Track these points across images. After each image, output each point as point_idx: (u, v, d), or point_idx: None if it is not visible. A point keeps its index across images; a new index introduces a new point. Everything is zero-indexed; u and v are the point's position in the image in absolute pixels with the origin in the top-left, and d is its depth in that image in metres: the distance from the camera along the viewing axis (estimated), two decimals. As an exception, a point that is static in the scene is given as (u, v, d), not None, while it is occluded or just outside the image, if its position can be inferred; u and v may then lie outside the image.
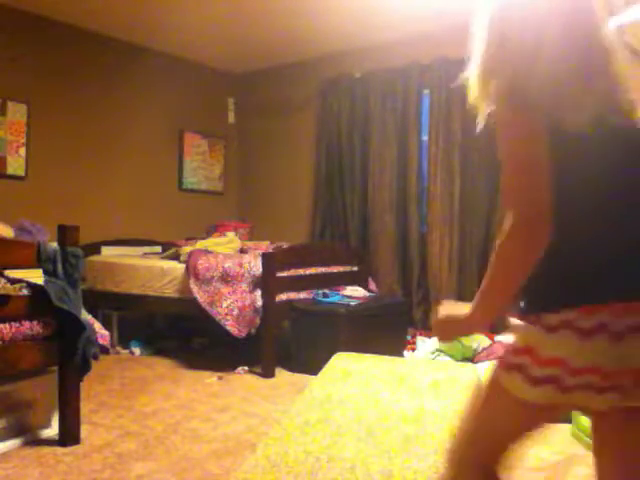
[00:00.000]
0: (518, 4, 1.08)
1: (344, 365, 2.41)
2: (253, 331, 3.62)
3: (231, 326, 3.60)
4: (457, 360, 3.35)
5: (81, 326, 2.37)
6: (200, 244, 4.24)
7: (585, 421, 2.48)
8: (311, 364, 3.34)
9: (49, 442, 2.45)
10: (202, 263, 3.81)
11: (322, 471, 1.81)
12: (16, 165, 4.26)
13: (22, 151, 4.29)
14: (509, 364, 1.05)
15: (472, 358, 3.37)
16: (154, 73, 5.12)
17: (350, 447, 1.90)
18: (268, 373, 3.58)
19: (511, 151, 1.02)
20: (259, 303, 3.62)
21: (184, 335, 4.58)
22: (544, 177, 0.97)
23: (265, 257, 3.68)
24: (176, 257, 4.25)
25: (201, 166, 5.60)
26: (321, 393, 2.21)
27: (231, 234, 4.78)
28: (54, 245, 2.41)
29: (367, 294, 4.23)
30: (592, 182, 1.00)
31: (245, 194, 5.89)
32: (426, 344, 3.73)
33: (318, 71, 5.23)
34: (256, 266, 3.68)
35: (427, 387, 2.39)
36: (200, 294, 3.72)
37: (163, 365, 3.88)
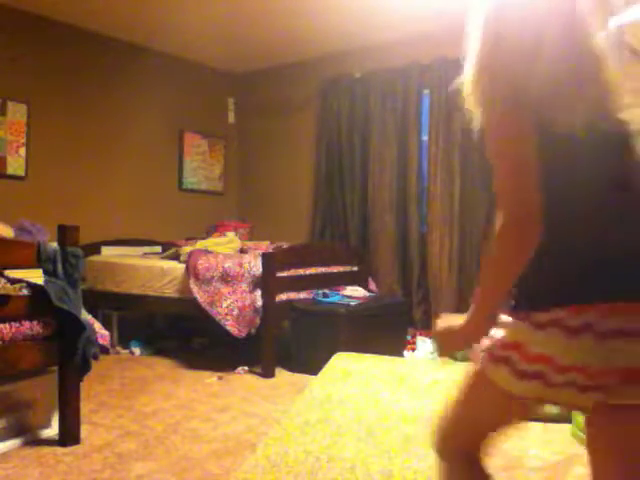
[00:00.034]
0: (515, 4, 1.09)
1: (344, 365, 2.41)
2: (253, 331, 3.62)
3: (231, 326, 3.60)
4: (457, 360, 3.36)
5: (81, 326, 2.37)
6: (200, 244, 4.24)
7: (585, 421, 2.48)
8: (311, 364, 3.34)
9: (49, 442, 2.45)
10: (202, 263, 3.81)
11: (322, 471, 1.81)
12: (16, 165, 4.26)
13: (22, 151, 4.29)
14: (496, 357, 1.07)
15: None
16: (154, 73, 5.12)
17: (350, 447, 1.90)
18: (268, 373, 3.58)
19: (500, 151, 1.04)
20: (259, 303, 3.62)
21: (184, 335, 4.58)
22: (533, 178, 0.99)
23: (265, 257, 3.68)
24: (176, 257, 4.25)
25: (201, 166, 5.60)
26: (321, 393, 2.21)
27: (231, 234, 4.78)
28: (54, 245, 2.41)
29: (367, 294, 4.23)
30: (582, 185, 1.02)
31: (245, 194, 5.89)
32: (426, 344, 3.73)
33: (318, 71, 5.23)
34: (256, 266, 3.68)
35: (427, 387, 2.39)
36: (200, 294, 3.72)
37: (163, 365, 3.88)
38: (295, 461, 1.86)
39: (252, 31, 4.68)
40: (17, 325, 2.24)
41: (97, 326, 2.67)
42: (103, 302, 4.31)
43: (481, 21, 1.11)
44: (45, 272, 2.34)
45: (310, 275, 4.09)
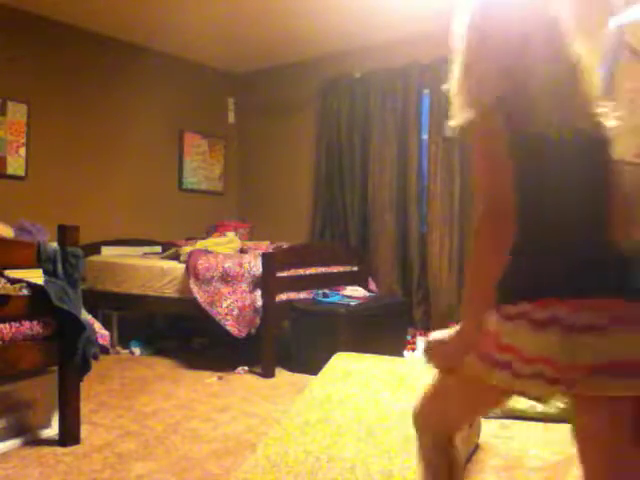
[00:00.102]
0: (501, 3, 1.13)
1: (344, 365, 2.41)
2: (253, 331, 3.62)
3: (231, 326, 3.60)
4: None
5: (81, 326, 2.37)
6: (200, 244, 4.24)
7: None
8: (311, 364, 3.33)
9: (49, 442, 2.45)
10: (202, 263, 3.81)
11: (322, 471, 1.81)
12: (16, 165, 4.26)
13: (22, 151, 4.29)
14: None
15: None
16: (154, 73, 5.12)
17: (350, 447, 1.90)
18: (268, 373, 3.58)
19: (481, 150, 1.09)
20: (259, 303, 3.62)
21: (184, 335, 4.58)
22: (508, 177, 1.04)
23: (265, 257, 3.68)
24: (176, 257, 4.25)
25: (201, 166, 5.60)
26: (321, 393, 2.21)
27: (231, 234, 4.78)
28: (54, 245, 2.41)
29: (367, 294, 4.23)
30: (556, 188, 1.07)
31: (245, 194, 5.89)
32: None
33: (318, 71, 5.23)
34: (256, 266, 3.68)
35: (427, 387, 2.39)
36: (200, 294, 3.72)
37: (163, 365, 3.88)
38: (295, 461, 1.85)
39: (252, 31, 4.68)
40: (17, 325, 2.25)
41: (97, 326, 2.67)
42: (103, 302, 4.31)
43: (467, 20, 1.15)
44: (45, 272, 2.34)
45: (310, 275, 4.09)
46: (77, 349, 2.37)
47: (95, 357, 2.47)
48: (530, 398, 1.14)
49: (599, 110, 1.12)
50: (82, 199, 4.61)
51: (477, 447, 2.36)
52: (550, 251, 1.06)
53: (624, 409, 1.08)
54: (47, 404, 2.54)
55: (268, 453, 1.90)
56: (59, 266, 2.37)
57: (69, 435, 2.43)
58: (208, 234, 4.94)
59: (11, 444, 2.39)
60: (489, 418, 2.66)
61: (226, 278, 3.69)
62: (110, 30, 4.70)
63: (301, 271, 4.04)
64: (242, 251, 4.35)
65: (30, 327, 2.29)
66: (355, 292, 4.16)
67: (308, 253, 4.28)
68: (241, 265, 3.71)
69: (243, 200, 5.89)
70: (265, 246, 4.54)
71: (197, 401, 3.08)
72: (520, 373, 1.04)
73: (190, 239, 4.73)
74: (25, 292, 2.30)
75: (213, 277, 3.72)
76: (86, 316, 2.50)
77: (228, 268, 3.71)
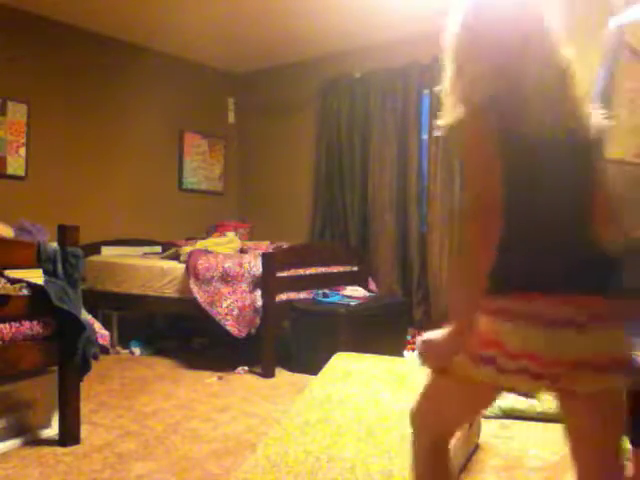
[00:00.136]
0: (494, 4, 1.15)
1: (344, 365, 2.41)
2: (253, 331, 3.62)
3: (231, 326, 3.60)
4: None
5: (81, 326, 2.37)
6: (200, 244, 4.24)
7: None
8: (311, 364, 3.33)
9: (49, 442, 2.45)
10: (202, 263, 3.81)
11: (322, 471, 1.81)
12: (16, 165, 4.26)
13: (22, 151, 4.29)
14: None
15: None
16: (154, 73, 5.12)
17: (350, 447, 1.90)
18: (268, 373, 3.58)
19: (473, 145, 1.11)
20: (259, 303, 3.62)
21: (184, 335, 4.58)
22: (496, 175, 1.06)
23: (265, 257, 3.68)
24: (176, 257, 4.25)
25: (201, 166, 5.60)
26: (321, 393, 2.21)
27: (231, 234, 4.78)
28: (54, 245, 2.41)
29: (367, 294, 4.23)
30: (543, 188, 1.09)
31: (245, 194, 5.89)
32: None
33: (318, 71, 5.23)
34: (256, 266, 3.68)
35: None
36: (200, 294, 3.72)
37: (163, 365, 3.88)
38: (295, 461, 1.85)
39: (252, 31, 4.68)
40: (17, 325, 2.24)
41: (97, 326, 2.67)
42: (103, 302, 4.31)
43: (460, 19, 1.17)
44: (45, 272, 2.34)
45: (310, 275, 4.09)
46: (77, 349, 2.37)
47: (95, 357, 2.47)
48: (518, 394, 1.16)
49: (588, 113, 1.15)
50: (82, 199, 4.61)
51: (477, 447, 2.36)
52: (535, 248, 1.09)
53: (611, 406, 1.12)
54: (47, 404, 2.54)
55: (268, 453, 1.90)
56: (59, 266, 2.37)
57: (69, 435, 2.43)
58: (208, 234, 4.94)
59: (11, 444, 2.39)
60: (489, 418, 2.66)
61: (226, 278, 3.69)
62: (110, 30, 4.70)
63: (301, 271, 4.04)
64: (242, 251, 4.35)
65: (30, 327, 2.29)
66: (355, 292, 4.16)
67: (308, 253, 4.28)
68: (241, 265, 3.71)
69: (243, 200, 5.89)
70: (265, 246, 4.53)
71: (197, 401, 3.07)
72: (504, 368, 1.06)
73: (190, 239, 4.73)
74: (25, 292, 2.30)
75: (213, 277, 3.72)
76: (86, 316, 2.50)
77: (228, 268, 3.71)
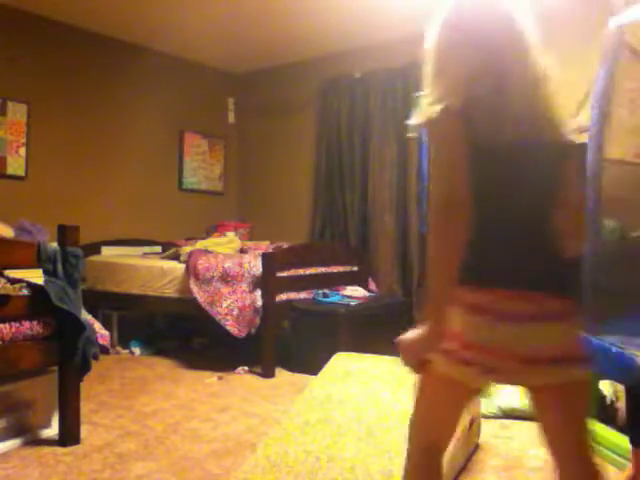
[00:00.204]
0: (476, 8, 1.17)
1: (344, 365, 2.41)
2: (253, 331, 3.62)
3: (231, 326, 3.60)
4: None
5: (81, 326, 2.37)
6: (200, 244, 4.24)
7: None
8: (311, 364, 3.33)
9: (49, 442, 2.45)
10: (202, 263, 3.81)
11: (322, 471, 1.81)
12: (16, 165, 4.25)
13: (22, 151, 4.29)
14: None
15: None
16: (154, 73, 5.12)
17: (350, 447, 1.90)
18: (268, 373, 3.58)
19: (439, 147, 1.14)
20: (259, 303, 3.62)
21: (184, 335, 4.58)
22: (464, 174, 1.09)
23: (265, 257, 3.68)
24: (176, 257, 4.25)
25: (201, 166, 5.60)
26: (321, 393, 2.21)
27: (231, 234, 4.78)
28: (54, 245, 2.41)
29: (367, 294, 4.23)
30: (513, 187, 1.13)
31: (245, 194, 5.89)
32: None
33: (318, 71, 5.23)
34: (256, 266, 3.68)
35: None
36: (200, 294, 3.72)
37: (163, 365, 3.88)
38: (295, 461, 1.86)
39: (252, 31, 4.68)
40: (17, 325, 2.25)
41: (97, 326, 2.67)
42: (103, 302, 4.31)
43: (443, 19, 1.19)
44: (45, 272, 2.34)
45: (310, 275, 4.09)
46: (77, 349, 2.37)
47: (95, 357, 2.47)
48: (471, 388, 1.19)
49: (564, 119, 1.17)
50: (82, 199, 4.61)
51: (477, 447, 2.36)
52: (495, 247, 1.12)
53: (576, 398, 1.17)
54: (47, 404, 2.54)
55: (268, 453, 1.90)
56: (59, 266, 2.37)
57: (69, 435, 2.43)
58: (208, 234, 4.93)
59: (11, 444, 2.39)
60: (489, 418, 2.66)
61: (226, 278, 3.69)
62: (110, 30, 4.70)
63: (301, 271, 4.04)
64: (242, 251, 4.35)
65: (30, 327, 2.29)
66: (355, 292, 4.16)
67: (308, 253, 4.28)
68: (241, 265, 3.71)
69: (243, 200, 5.89)
70: (265, 246, 4.53)
71: (197, 401, 3.07)
72: (460, 360, 1.10)
73: (190, 239, 4.73)
74: (25, 292, 2.30)
75: (213, 277, 3.72)
76: (86, 316, 2.50)
77: (228, 268, 3.71)
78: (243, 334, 3.60)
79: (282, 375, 3.63)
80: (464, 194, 1.09)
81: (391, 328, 3.98)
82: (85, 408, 2.66)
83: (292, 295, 3.90)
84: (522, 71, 1.14)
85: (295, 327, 3.77)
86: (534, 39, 1.17)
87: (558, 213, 1.18)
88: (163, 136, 5.27)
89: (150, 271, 4.15)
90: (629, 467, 1.63)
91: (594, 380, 2.54)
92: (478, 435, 2.39)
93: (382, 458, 1.82)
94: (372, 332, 3.61)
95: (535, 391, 1.18)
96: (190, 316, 4.29)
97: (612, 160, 2.47)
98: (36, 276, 2.36)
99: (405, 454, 1.29)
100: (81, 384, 2.49)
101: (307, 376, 3.34)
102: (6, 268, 2.38)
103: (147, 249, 4.93)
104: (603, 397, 2.55)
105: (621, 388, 2.37)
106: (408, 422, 1.29)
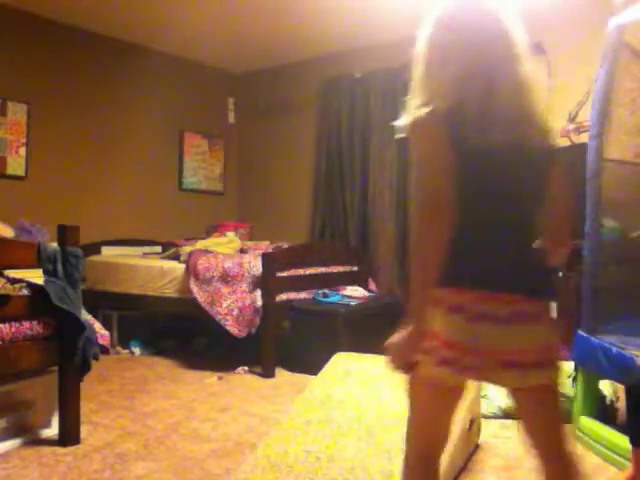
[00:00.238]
0: (466, 14, 1.18)
1: (344, 365, 2.41)
2: (253, 331, 3.62)
3: (231, 326, 3.60)
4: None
5: (81, 326, 2.37)
6: (200, 244, 4.24)
7: (585, 421, 2.48)
8: (311, 364, 3.33)
9: (49, 442, 2.45)
10: (202, 263, 3.81)
11: (322, 471, 1.81)
12: (16, 165, 4.25)
13: (22, 151, 4.29)
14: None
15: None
16: (154, 73, 5.12)
17: (350, 447, 1.90)
18: (268, 373, 3.58)
19: (425, 148, 1.15)
20: (259, 303, 3.62)
21: (184, 335, 4.58)
22: (449, 174, 1.10)
23: (265, 257, 3.68)
24: (176, 257, 4.25)
25: (201, 166, 5.60)
26: (321, 393, 2.21)
27: (231, 234, 4.78)
28: (54, 245, 2.41)
29: (367, 294, 4.23)
30: (494, 188, 1.14)
31: (245, 194, 5.89)
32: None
33: (318, 71, 5.23)
34: (256, 266, 3.68)
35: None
36: (200, 294, 3.72)
37: (163, 365, 3.88)
38: (295, 461, 1.85)
39: (252, 31, 4.68)
40: (17, 325, 2.24)
41: (97, 326, 2.67)
42: (103, 302, 4.31)
43: (435, 20, 1.20)
44: (45, 272, 2.34)
45: (310, 275, 4.09)
46: (77, 349, 2.37)
47: (95, 357, 2.47)
48: (453, 387, 1.20)
49: (549, 122, 1.18)
50: (82, 199, 4.61)
51: (477, 447, 2.36)
52: (476, 249, 1.14)
53: (552, 396, 1.21)
54: (47, 404, 2.54)
55: (268, 453, 1.90)
56: (59, 266, 2.36)
57: (69, 435, 2.43)
58: (208, 234, 4.93)
59: (11, 444, 2.39)
60: (489, 418, 2.66)
61: (226, 278, 3.69)
62: (110, 30, 4.70)
63: (301, 271, 4.03)
64: (242, 251, 4.35)
65: (30, 327, 2.29)
66: (355, 292, 4.16)
67: (308, 253, 4.28)
68: (241, 265, 3.70)
69: (243, 200, 5.89)
70: (265, 246, 4.53)
71: (197, 401, 3.07)
72: (440, 358, 1.12)
73: (190, 239, 4.73)
74: (25, 292, 2.30)
75: (213, 277, 3.72)
76: (86, 316, 2.50)
77: (228, 268, 3.71)
78: (243, 334, 3.60)
79: (282, 375, 3.63)
80: (448, 196, 1.10)
81: (391, 328, 3.99)
82: (85, 408, 2.66)
83: (292, 295, 3.90)
84: (510, 72, 1.15)
85: (295, 327, 3.77)
86: (521, 40, 1.18)
87: (543, 215, 1.20)
88: (163, 136, 5.27)
89: (150, 271, 4.15)
90: (629, 467, 1.63)
91: (594, 380, 2.54)
92: (478, 435, 2.39)
93: (382, 458, 1.82)
94: (372, 332, 3.60)
95: (514, 390, 1.22)
96: (190, 316, 4.29)
97: (612, 160, 2.47)
98: (36, 276, 2.36)
99: (403, 456, 1.30)
100: (81, 384, 2.49)
101: (307, 376, 3.34)
102: (6, 268, 2.38)
103: (147, 249, 4.93)
104: (603, 397, 2.55)
105: (621, 388, 2.37)
106: (406, 433, 1.29)
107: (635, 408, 1.61)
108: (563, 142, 3.51)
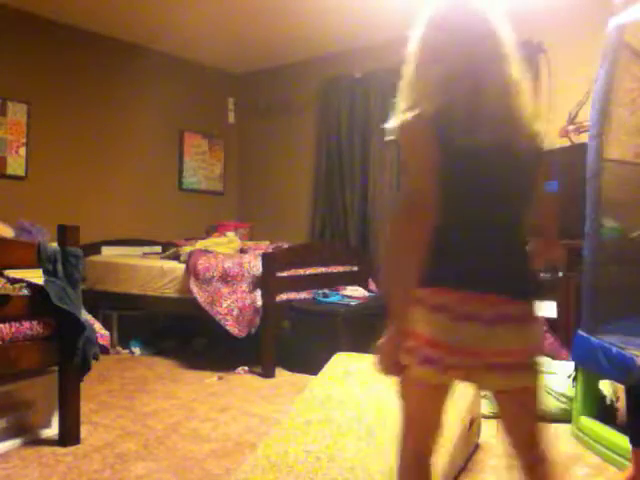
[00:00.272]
0: (457, 13, 1.19)
1: (344, 365, 2.41)
2: (253, 331, 3.62)
3: (231, 326, 3.60)
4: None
5: (81, 326, 2.37)
6: (200, 244, 4.24)
7: (585, 421, 2.48)
8: (311, 364, 3.33)
9: (49, 442, 2.45)
10: (202, 263, 3.81)
11: (322, 471, 1.81)
12: (16, 165, 4.25)
13: (22, 151, 4.29)
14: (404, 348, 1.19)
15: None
16: (154, 73, 5.12)
17: (350, 447, 1.90)
18: (268, 373, 3.58)
19: (411, 149, 1.16)
20: (259, 303, 3.62)
21: (184, 335, 4.58)
22: (431, 178, 1.11)
23: (265, 257, 3.68)
24: (176, 257, 4.25)
25: (201, 166, 5.60)
26: (321, 393, 2.21)
27: (231, 234, 4.77)
28: (54, 245, 2.41)
29: (367, 294, 4.22)
30: (479, 196, 1.14)
31: (245, 194, 5.89)
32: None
33: (318, 71, 5.23)
34: (256, 266, 3.68)
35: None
36: (200, 294, 3.72)
37: (163, 365, 3.88)
38: (295, 461, 1.85)
39: (252, 31, 4.68)
40: (17, 325, 2.24)
41: (97, 326, 2.67)
42: (103, 302, 4.31)
43: (427, 20, 1.23)
44: (45, 272, 2.34)
45: (310, 275, 4.09)
46: (77, 349, 2.37)
47: (95, 357, 2.47)
48: (436, 385, 1.20)
49: (534, 128, 1.18)
50: (82, 199, 4.61)
51: (477, 447, 2.36)
52: (463, 247, 1.14)
53: (531, 397, 1.22)
54: (47, 404, 2.54)
55: (268, 453, 1.90)
56: (59, 266, 2.36)
57: (69, 435, 2.43)
58: (208, 234, 4.93)
59: (11, 444, 2.39)
60: (489, 418, 2.66)
61: (226, 278, 3.69)
62: (110, 30, 4.70)
63: (301, 271, 4.03)
64: (242, 251, 4.35)
65: (30, 327, 2.29)
66: (355, 292, 4.16)
67: (308, 253, 4.28)
68: (241, 265, 3.70)
69: (243, 200, 5.89)
70: (265, 246, 4.53)
71: (197, 401, 3.07)
72: (423, 357, 1.12)
73: (190, 239, 4.73)
74: (25, 292, 2.30)
75: (213, 277, 3.72)
76: (86, 316, 2.50)
77: (228, 268, 3.71)
78: (243, 334, 3.60)
79: (282, 375, 3.63)
80: (430, 196, 1.10)
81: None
82: (85, 408, 2.66)
83: (292, 295, 3.90)
84: (498, 72, 1.15)
85: (295, 327, 3.77)
86: (509, 40, 1.18)
87: (530, 216, 1.20)
88: (163, 136, 5.27)
89: (150, 271, 4.15)
90: (629, 467, 1.63)
91: (594, 380, 2.54)
92: (478, 435, 2.39)
93: (382, 458, 1.82)
94: (372, 332, 3.61)
95: (497, 392, 1.24)
96: (190, 316, 4.29)
97: (612, 160, 2.47)
98: (36, 276, 2.36)
99: (397, 464, 1.31)
100: (81, 384, 2.49)
101: (307, 376, 3.34)
102: (6, 268, 2.38)
103: (147, 249, 4.93)
104: (603, 397, 2.55)
105: (621, 388, 2.37)
106: (399, 435, 1.31)
107: (635, 408, 1.62)
108: (563, 142, 3.51)
